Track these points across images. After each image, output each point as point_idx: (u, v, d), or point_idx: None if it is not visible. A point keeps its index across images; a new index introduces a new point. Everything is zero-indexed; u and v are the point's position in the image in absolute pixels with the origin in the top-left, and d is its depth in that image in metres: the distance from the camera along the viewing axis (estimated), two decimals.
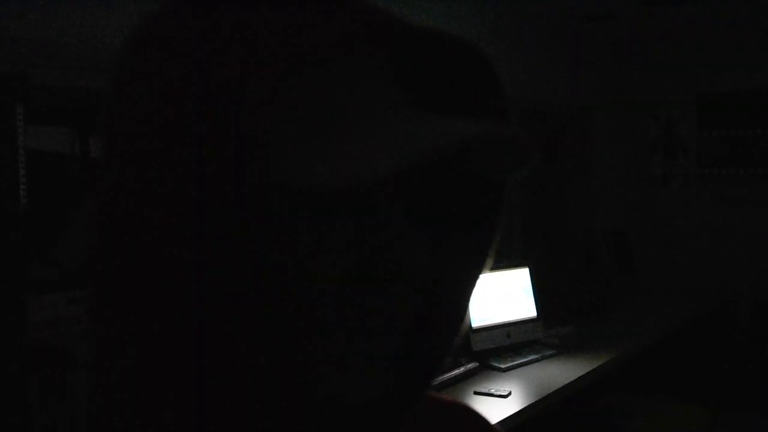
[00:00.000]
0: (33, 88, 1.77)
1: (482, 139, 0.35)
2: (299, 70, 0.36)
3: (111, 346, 0.38)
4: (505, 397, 2.42)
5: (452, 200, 0.46)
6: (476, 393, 2.47)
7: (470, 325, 2.83)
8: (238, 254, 0.36)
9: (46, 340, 1.81)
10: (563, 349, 2.97)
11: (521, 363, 2.80)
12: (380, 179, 0.31)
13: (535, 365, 2.81)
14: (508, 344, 2.92)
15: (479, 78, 0.44)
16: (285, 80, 0.36)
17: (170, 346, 0.37)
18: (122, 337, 0.38)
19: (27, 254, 1.77)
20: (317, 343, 0.38)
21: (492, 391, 2.46)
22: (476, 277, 0.46)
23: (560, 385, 2.55)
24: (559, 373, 2.71)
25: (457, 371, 2.59)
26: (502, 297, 2.99)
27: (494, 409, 2.31)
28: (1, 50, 1.76)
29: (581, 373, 2.69)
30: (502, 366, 2.74)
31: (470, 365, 2.67)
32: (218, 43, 0.36)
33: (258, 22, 0.37)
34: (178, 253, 0.35)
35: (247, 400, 0.38)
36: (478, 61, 0.43)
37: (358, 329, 0.38)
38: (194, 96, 0.35)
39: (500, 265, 3.05)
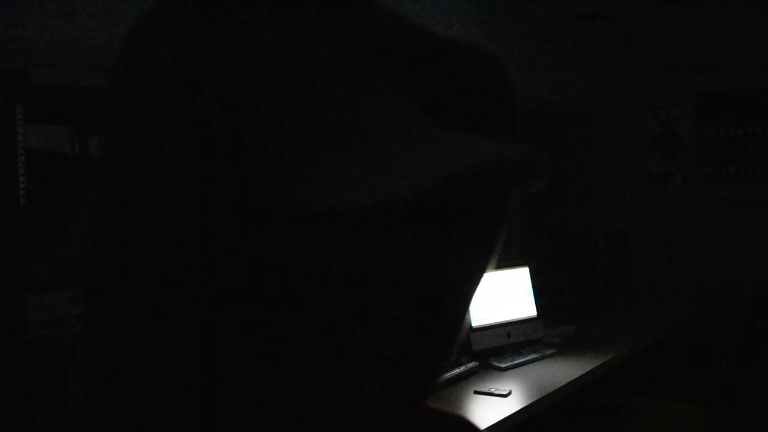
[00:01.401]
0: (33, 87, 1.77)
1: (500, 160, 0.34)
2: (316, 79, 0.36)
3: (111, 346, 0.38)
4: (505, 396, 2.42)
5: (456, 205, 0.46)
6: (476, 392, 2.47)
7: (470, 324, 2.84)
8: (239, 256, 0.35)
9: (47, 338, 1.81)
10: (563, 349, 2.98)
11: (521, 362, 2.80)
12: (393, 200, 0.30)
13: (535, 364, 2.82)
14: (508, 343, 2.92)
15: (497, 92, 0.44)
16: (301, 89, 0.35)
17: (171, 347, 0.37)
18: (122, 337, 0.37)
19: (27, 253, 1.77)
20: (318, 345, 0.38)
21: (492, 390, 2.46)
22: (477, 282, 0.46)
23: (560, 385, 2.56)
24: (559, 372, 2.71)
25: (457, 370, 2.60)
26: (502, 296, 2.99)
27: (494, 408, 2.32)
28: (1, 49, 1.76)
29: (581, 373, 2.69)
30: (502, 365, 2.74)
31: (470, 364, 2.67)
32: (231, 48, 0.36)
33: (275, 27, 0.36)
34: (178, 254, 0.35)
35: (247, 400, 0.38)
36: (496, 74, 0.43)
37: (358, 332, 0.39)
38: (202, 98, 0.35)
39: (500, 264, 3.04)
